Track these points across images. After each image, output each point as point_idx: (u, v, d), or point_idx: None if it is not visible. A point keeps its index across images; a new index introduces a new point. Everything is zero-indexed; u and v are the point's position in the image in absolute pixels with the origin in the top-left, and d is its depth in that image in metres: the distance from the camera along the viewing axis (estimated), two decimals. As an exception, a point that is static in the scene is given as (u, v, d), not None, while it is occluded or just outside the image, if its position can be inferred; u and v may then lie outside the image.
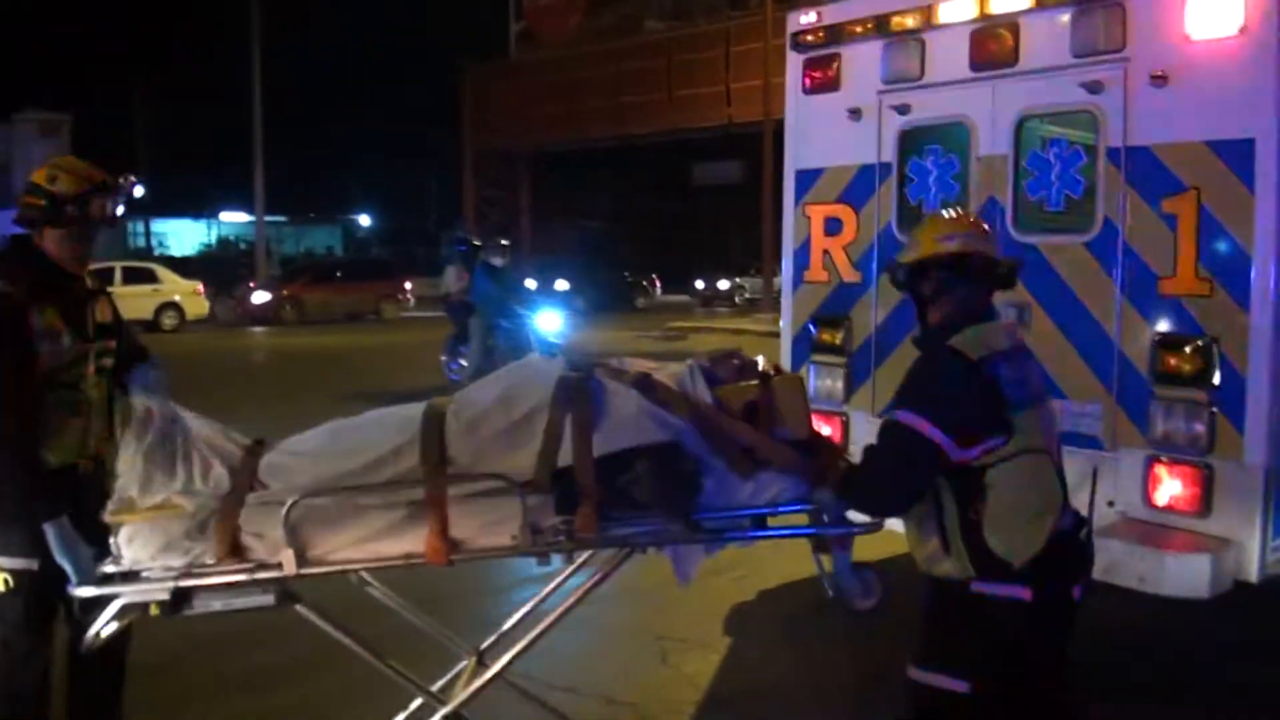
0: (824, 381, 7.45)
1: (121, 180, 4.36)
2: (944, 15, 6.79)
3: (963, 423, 3.47)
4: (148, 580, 3.71)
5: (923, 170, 7.09)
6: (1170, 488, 5.84)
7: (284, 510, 3.57)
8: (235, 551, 3.68)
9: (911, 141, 7.16)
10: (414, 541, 3.68)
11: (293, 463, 3.89)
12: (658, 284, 46.53)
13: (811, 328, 7.64)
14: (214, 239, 67.36)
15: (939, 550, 3.59)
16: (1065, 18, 6.24)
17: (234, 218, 60.62)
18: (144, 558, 3.73)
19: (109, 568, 3.78)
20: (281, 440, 4.06)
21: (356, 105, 58.64)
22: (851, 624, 5.83)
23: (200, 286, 34.24)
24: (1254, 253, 5.51)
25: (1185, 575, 5.56)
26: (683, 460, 3.75)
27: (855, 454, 6.61)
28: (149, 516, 3.73)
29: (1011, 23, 6.51)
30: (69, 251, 4.26)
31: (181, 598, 3.67)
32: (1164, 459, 5.81)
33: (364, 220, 74.65)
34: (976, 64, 6.68)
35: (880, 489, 3.71)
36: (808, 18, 7.61)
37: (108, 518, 3.77)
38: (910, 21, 6.98)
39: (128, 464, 3.79)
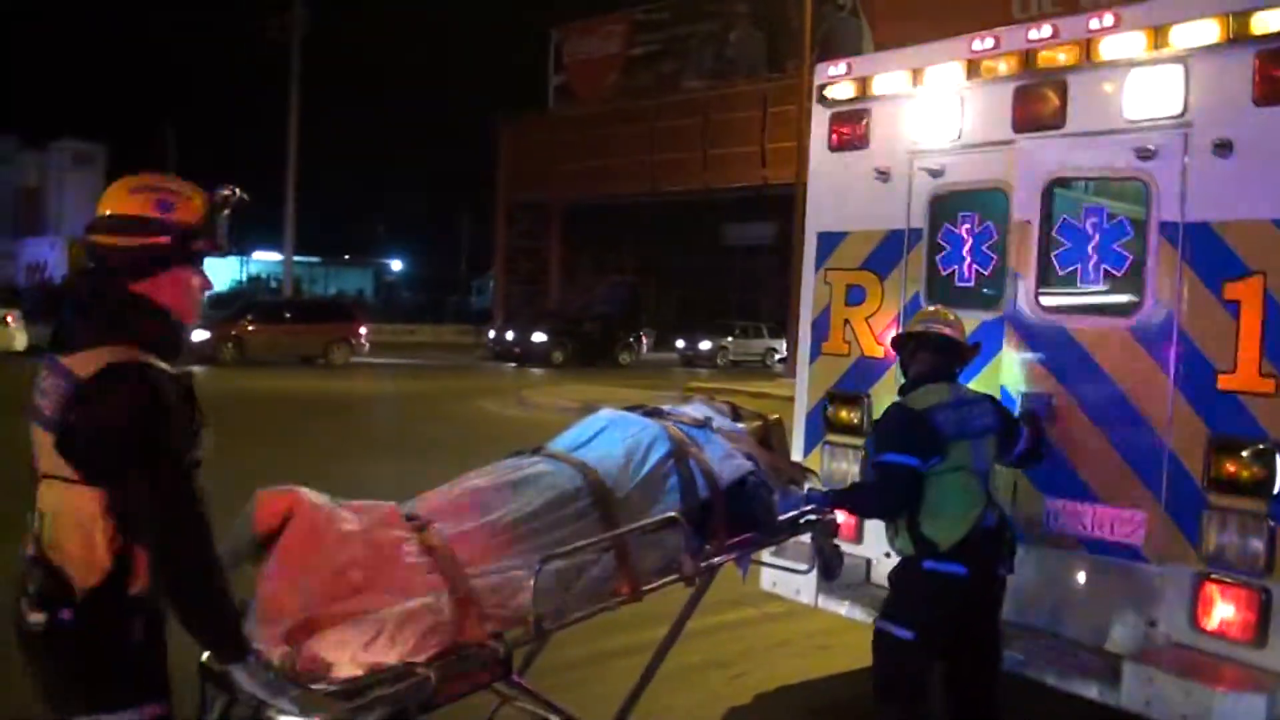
0: (838, 465, 6.75)
1: (233, 191, 3.42)
2: (984, 71, 6.18)
3: (917, 445, 5.01)
4: (380, 686, 3.51)
5: (955, 238, 6.45)
6: (1221, 611, 5.12)
7: (531, 581, 3.83)
8: (479, 629, 3.78)
9: (944, 207, 6.52)
10: (615, 585, 4.23)
11: (483, 535, 4.04)
12: (645, 341, 45.32)
13: (827, 405, 6.98)
14: (245, 276, 67.57)
15: (900, 537, 5.14)
16: (1119, 77, 5.63)
17: (266, 256, 60.66)
18: (365, 659, 3.53)
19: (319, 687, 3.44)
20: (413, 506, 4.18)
21: (393, 151, 58.60)
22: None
23: (10, 316, 32.27)
24: (1327, 347, 4.84)
25: (1236, 716, 4.83)
26: (762, 485, 4.84)
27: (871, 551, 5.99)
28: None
29: (1059, 81, 5.89)
30: (193, 300, 3.36)
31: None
32: (1216, 578, 5.08)
33: (395, 265, 74.81)
34: (1019, 125, 6.07)
35: (883, 504, 5.28)
36: (836, 69, 7.01)
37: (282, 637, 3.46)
38: (947, 76, 6.38)
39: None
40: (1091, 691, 5.35)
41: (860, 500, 5.54)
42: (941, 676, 5.33)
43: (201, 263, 3.36)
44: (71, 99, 43.45)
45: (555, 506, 4.24)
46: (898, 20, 31.05)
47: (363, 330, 36.97)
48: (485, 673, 3.90)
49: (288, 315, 37.14)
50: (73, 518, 3.05)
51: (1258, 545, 4.99)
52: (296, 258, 50.74)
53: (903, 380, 5.52)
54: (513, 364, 39.58)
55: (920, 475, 5.03)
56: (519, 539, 4.06)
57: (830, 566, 5.37)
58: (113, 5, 48.24)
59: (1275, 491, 4.95)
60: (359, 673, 3.50)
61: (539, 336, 40.49)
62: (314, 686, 3.41)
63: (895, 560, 5.41)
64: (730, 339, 46.05)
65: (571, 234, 53.29)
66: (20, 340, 31.36)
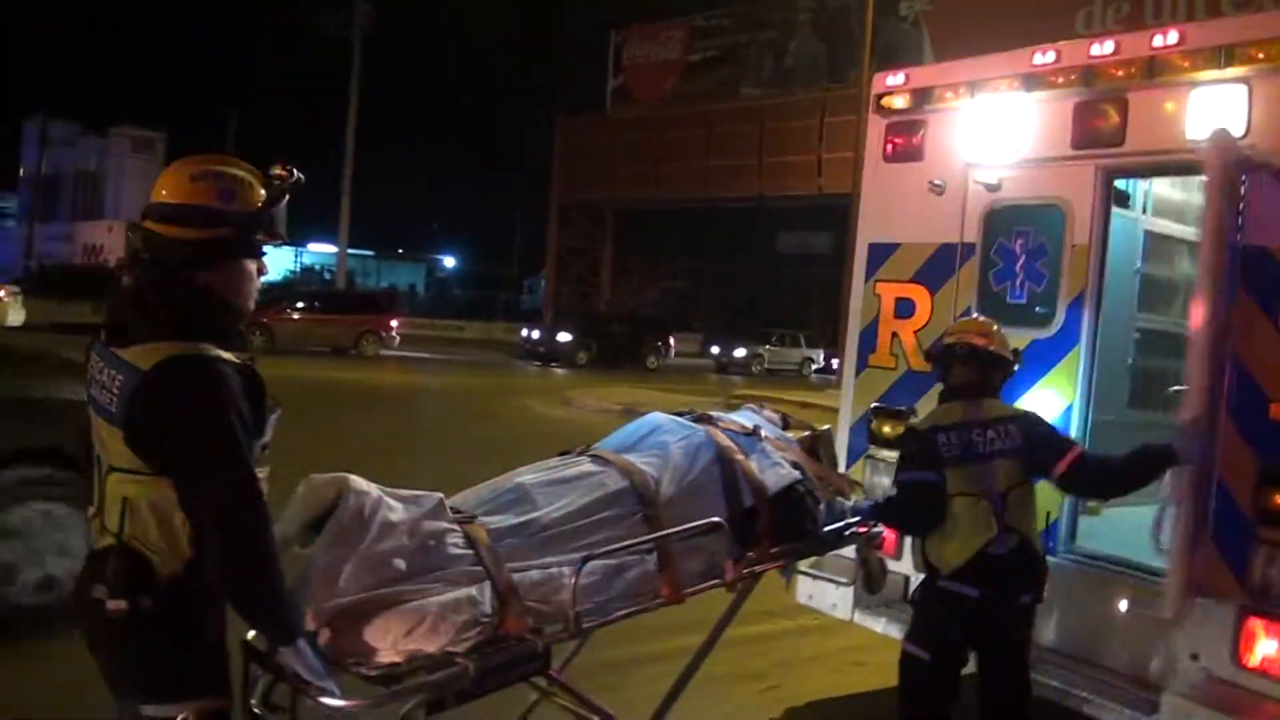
0: (880, 479, 6.64)
1: (290, 172, 3.32)
2: (1045, 85, 6.09)
3: (930, 461, 5.06)
4: (419, 673, 3.53)
5: (1009, 254, 6.36)
6: (1264, 648, 4.97)
7: (572, 579, 3.85)
8: (519, 623, 3.77)
9: (999, 222, 6.43)
10: (656, 587, 4.20)
11: (527, 531, 4.04)
12: (672, 344, 44.68)
13: (871, 418, 6.89)
14: (298, 266, 68.14)
15: (915, 555, 5.28)
16: (1181, 96, 5.52)
17: (321, 248, 61.12)
18: (406, 647, 3.54)
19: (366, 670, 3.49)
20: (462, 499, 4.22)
21: (451, 149, 58.88)
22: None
23: (5, 290, 32.95)
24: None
25: (1276, 755, 4.71)
26: (808, 494, 4.85)
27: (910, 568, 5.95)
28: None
29: (1120, 98, 5.79)
30: (252, 288, 3.31)
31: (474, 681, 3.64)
32: (1260, 613, 4.94)
33: (449, 261, 75.22)
34: (1078, 141, 5.97)
35: (914, 522, 5.30)
36: (895, 79, 6.93)
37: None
38: (1007, 90, 6.29)
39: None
40: (1129, 722, 5.25)
41: (890, 515, 5.46)
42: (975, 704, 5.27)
43: (262, 252, 3.31)
44: (133, 86, 43.95)
45: (600, 506, 4.24)
46: (959, 32, 30.85)
47: (394, 323, 36.99)
48: (523, 667, 3.90)
49: (317, 305, 37.05)
50: (153, 508, 3.05)
51: (1305, 580, 4.88)
52: (351, 250, 51.11)
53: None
54: (538, 363, 39.50)
55: (941, 489, 5.02)
56: (563, 537, 4.07)
57: (873, 579, 5.35)
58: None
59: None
60: (399, 660, 3.51)
61: (564, 336, 40.28)
62: (354, 670, 3.45)
63: None
64: (766, 347, 45.62)
65: (624, 236, 53.39)
66: (16, 315, 31.87)
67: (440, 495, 4.00)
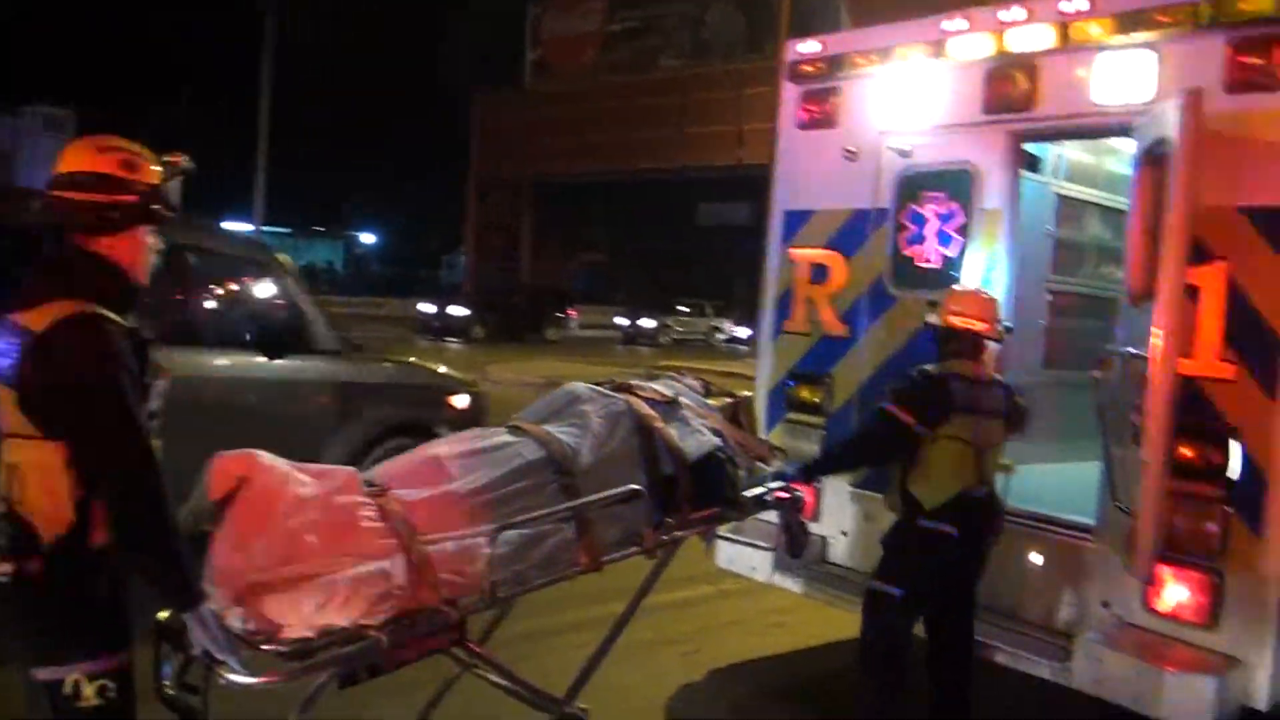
0: (799, 444, 6.70)
1: (177, 162, 3.47)
2: (956, 50, 6.17)
3: (923, 409, 5.29)
4: (331, 648, 3.51)
5: (921, 219, 6.43)
6: (1175, 594, 5.13)
7: (487, 550, 3.84)
8: (433, 595, 3.74)
9: (911, 187, 6.50)
10: (574, 555, 4.17)
11: (441, 503, 3.99)
12: (574, 315, 44.15)
13: (789, 384, 6.96)
14: (214, 246, 67.05)
15: (891, 496, 5.48)
16: (1090, 61, 5.62)
17: (238, 227, 60.15)
18: (317, 621, 3.49)
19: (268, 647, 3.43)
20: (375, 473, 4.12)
21: (367, 123, 58.16)
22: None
23: None
24: (1287, 335, 4.85)
25: (1186, 697, 4.83)
26: (727, 461, 4.84)
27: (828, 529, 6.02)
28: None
29: (1030, 64, 5.88)
30: (147, 260, 3.39)
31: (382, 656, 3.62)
32: (1170, 560, 5.09)
33: (367, 238, 74.46)
34: (989, 107, 6.05)
35: (864, 454, 5.75)
36: (808, 46, 6.98)
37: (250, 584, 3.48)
38: (918, 56, 6.35)
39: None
40: (1044, 670, 5.39)
41: (842, 452, 5.82)
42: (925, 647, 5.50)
43: (157, 224, 3.39)
44: (44, 65, 42.75)
45: (516, 477, 4.20)
46: (876, 3, 30.97)
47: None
48: (437, 638, 3.87)
49: None
50: (38, 472, 3.09)
51: (1211, 529, 5.02)
52: (267, 229, 50.23)
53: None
54: (431, 338, 38.04)
55: (912, 435, 5.31)
56: (478, 507, 4.02)
57: (796, 543, 5.38)
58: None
59: (1230, 476, 4.98)
60: (310, 635, 3.47)
61: (458, 310, 39.36)
62: (265, 647, 3.41)
63: (849, 539, 6.13)
64: (673, 317, 45.32)
65: (545, 211, 53.14)
66: None
67: (352, 470, 3.98)
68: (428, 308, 40.82)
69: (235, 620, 3.40)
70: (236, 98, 45.74)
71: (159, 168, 3.36)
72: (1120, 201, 7.97)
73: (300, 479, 3.78)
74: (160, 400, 3.37)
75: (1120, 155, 8.04)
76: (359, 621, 3.54)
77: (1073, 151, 7.94)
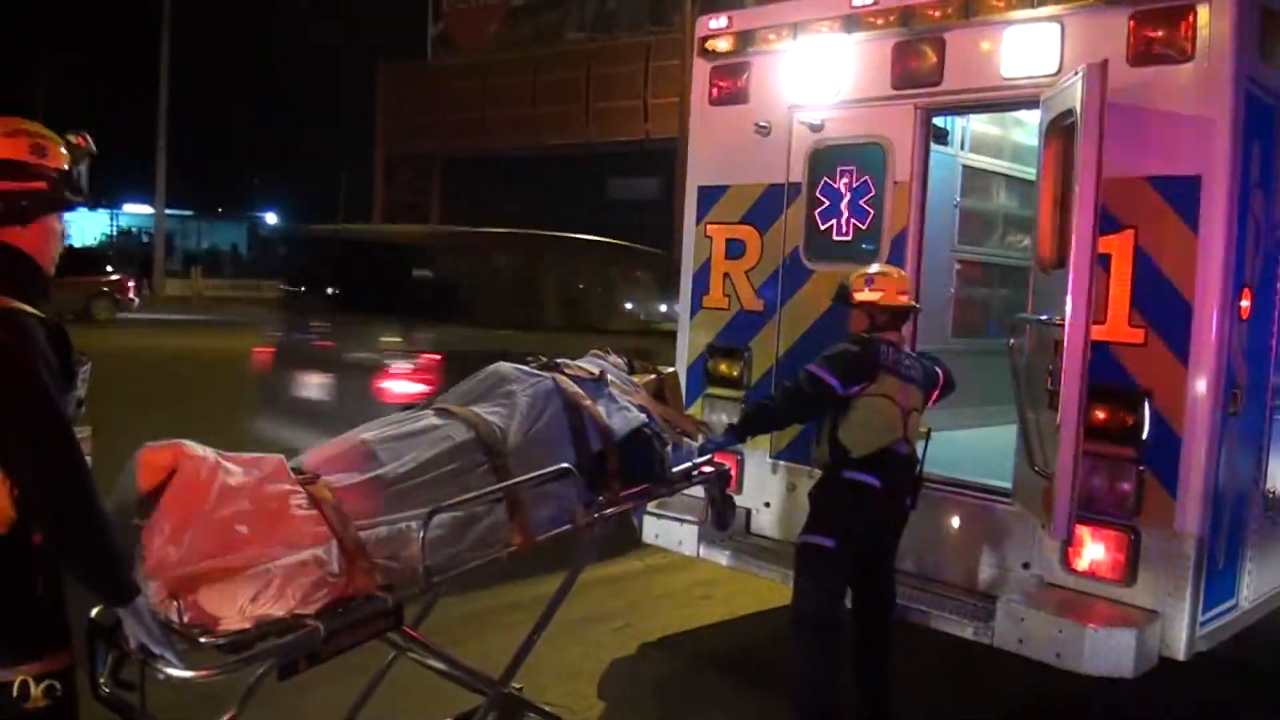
0: (719, 417, 6.77)
1: (83, 142, 3.32)
2: (864, 25, 6.24)
3: (847, 372, 5.38)
4: (267, 638, 3.46)
5: (834, 193, 6.51)
6: (1092, 552, 5.31)
7: (420, 533, 3.79)
8: (368, 581, 3.71)
9: (823, 162, 6.58)
10: (507, 535, 4.17)
11: (372, 488, 3.97)
12: None
13: (707, 358, 7.03)
14: (114, 230, 65.62)
15: (820, 447, 5.53)
16: (996, 35, 5.72)
17: (138, 209, 58.93)
18: (253, 612, 3.46)
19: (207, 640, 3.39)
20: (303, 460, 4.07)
21: (269, 101, 57.18)
22: (725, 689, 6.31)
23: None
24: (1195, 300, 5.00)
25: (1107, 651, 5.00)
26: (654, 437, 4.84)
27: (752, 501, 6.09)
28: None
29: (937, 38, 5.97)
30: (56, 248, 3.27)
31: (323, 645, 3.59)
32: (1086, 520, 5.24)
33: (270, 218, 73.34)
34: (897, 81, 6.14)
35: (787, 410, 5.73)
36: (718, 23, 7.01)
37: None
38: (827, 31, 6.42)
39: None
40: (967, 631, 5.52)
41: (766, 410, 5.79)
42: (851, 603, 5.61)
43: (67, 211, 3.29)
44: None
45: (446, 459, 4.19)
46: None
47: (130, 284, 34.16)
48: (374, 624, 3.84)
49: None
50: None
51: (1126, 488, 5.19)
52: (169, 211, 49.41)
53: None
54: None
55: (835, 398, 5.39)
56: (409, 491, 4.01)
57: (723, 516, 5.41)
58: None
59: (1143, 438, 5.14)
60: (247, 626, 3.44)
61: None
62: (202, 640, 3.37)
63: (773, 510, 6.33)
64: None
65: (453, 187, 52.61)
66: None
67: (280, 457, 3.94)
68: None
69: (170, 614, 3.35)
70: (133, 75, 44.69)
71: (65, 150, 3.22)
72: (1026, 172, 8.18)
73: (229, 468, 3.74)
74: (84, 385, 3.28)
75: (1026, 127, 8.22)
76: (295, 611, 3.51)
77: (979, 124, 8.09)
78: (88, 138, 3.32)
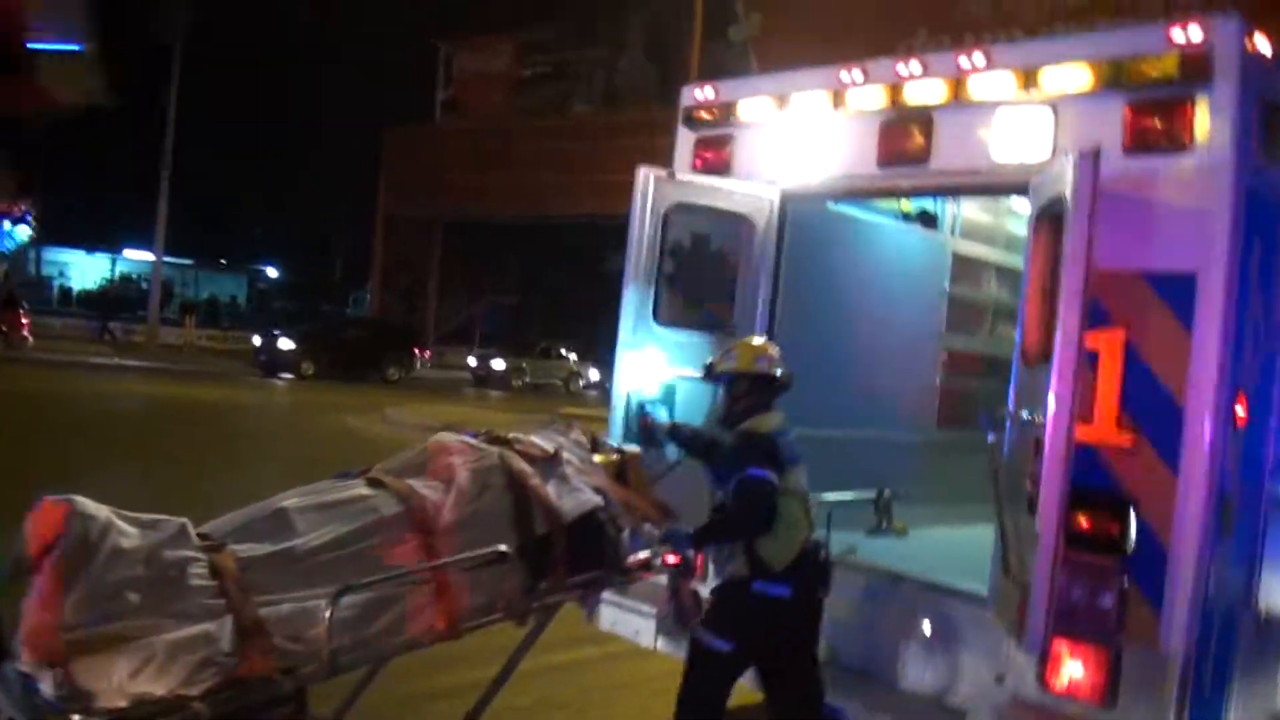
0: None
1: (17, 208, 3.27)
2: (852, 102, 6.01)
3: (776, 466, 5.14)
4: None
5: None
6: (1070, 670, 4.94)
7: (327, 613, 3.54)
8: (265, 662, 3.44)
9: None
10: (430, 620, 3.92)
11: (281, 561, 3.72)
12: (422, 355, 41.30)
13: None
14: (114, 275, 65.61)
15: (731, 556, 5.24)
16: (986, 118, 5.49)
17: (139, 255, 58.91)
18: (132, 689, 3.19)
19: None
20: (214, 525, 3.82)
21: (276, 155, 57.29)
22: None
23: None
24: (1186, 404, 4.70)
25: (1080, 781, 4.65)
26: (610, 522, 4.60)
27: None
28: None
29: (925, 118, 5.74)
30: None
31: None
32: (1064, 634, 4.90)
33: (272, 272, 73.40)
34: (884, 159, 5.90)
35: (754, 520, 5.14)
36: (703, 92, 6.80)
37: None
38: (813, 106, 6.19)
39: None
40: (934, 749, 5.16)
41: (728, 525, 5.32)
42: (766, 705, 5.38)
43: None
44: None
45: (368, 534, 3.92)
46: (786, 59, 31.14)
47: (25, 321, 33.23)
48: (270, 711, 3.56)
49: None
50: None
51: (1108, 603, 4.84)
52: (169, 259, 49.33)
53: (724, 408, 5.59)
54: (260, 373, 35.60)
55: (778, 492, 5.13)
56: (322, 566, 3.74)
57: (685, 612, 5.17)
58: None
59: (1128, 548, 4.81)
60: (124, 704, 3.18)
61: (286, 344, 36.10)
62: (74, 716, 3.11)
63: None
64: (526, 360, 42.98)
65: (453, 250, 52.69)
66: None
67: (184, 521, 3.65)
68: (257, 340, 37.96)
69: (45, 684, 3.12)
70: (140, 125, 44.78)
71: None
72: (1019, 263, 7.93)
73: (124, 529, 3.46)
74: None
75: (1019, 216, 7.99)
76: (178, 690, 3.25)
77: (971, 210, 7.87)
78: (18, 208, 3.15)
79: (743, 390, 5.46)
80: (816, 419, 5.85)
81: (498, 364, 42.54)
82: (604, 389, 41.44)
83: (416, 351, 40.77)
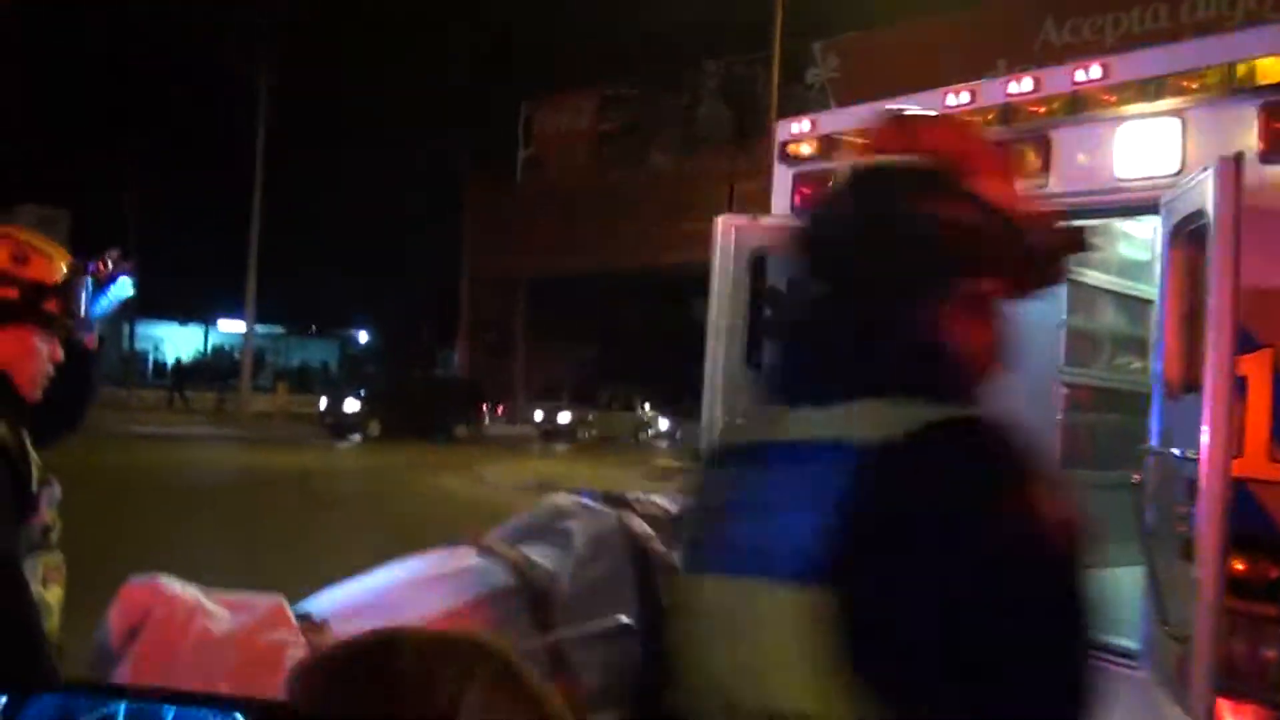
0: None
1: (110, 263, 3.15)
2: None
3: None
4: None
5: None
6: (1234, 731, 4.52)
7: None
8: None
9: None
10: None
11: None
12: (493, 410, 40.94)
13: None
14: (208, 347, 66.84)
15: None
16: (1108, 133, 5.15)
17: (232, 325, 59.99)
18: None
19: None
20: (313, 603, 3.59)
21: (361, 221, 58.11)
22: None
23: None
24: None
25: None
26: None
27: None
28: None
29: (1041, 137, 5.40)
30: (34, 366, 2.97)
31: None
32: (1225, 693, 4.46)
33: (362, 336, 74.31)
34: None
35: None
36: (800, 126, 6.54)
37: None
38: (919, 133, 5.88)
39: None
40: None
41: None
42: None
43: (53, 327, 2.96)
44: (36, 165, 42.71)
45: (479, 607, 3.67)
46: (865, 98, 30.87)
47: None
48: None
49: None
50: None
51: (1271, 656, 4.41)
52: (261, 328, 50.12)
53: None
54: (329, 437, 35.04)
55: None
56: None
57: None
58: (71, 73, 47.75)
59: (1289, 593, 4.39)
60: None
61: (351, 406, 36.01)
62: None
63: None
64: (594, 412, 42.17)
65: (539, 306, 52.87)
66: None
67: (279, 599, 3.41)
68: (323, 402, 37.99)
69: None
70: (228, 194, 45.73)
71: (62, 265, 2.96)
72: (1136, 288, 7.53)
73: (214, 612, 3.23)
74: (52, 510, 2.87)
75: (1131, 240, 7.60)
76: None
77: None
78: (111, 262, 3.16)
79: None
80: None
81: (564, 417, 41.80)
82: (674, 438, 41.23)
83: (485, 407, 40.21)
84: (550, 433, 41.29)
